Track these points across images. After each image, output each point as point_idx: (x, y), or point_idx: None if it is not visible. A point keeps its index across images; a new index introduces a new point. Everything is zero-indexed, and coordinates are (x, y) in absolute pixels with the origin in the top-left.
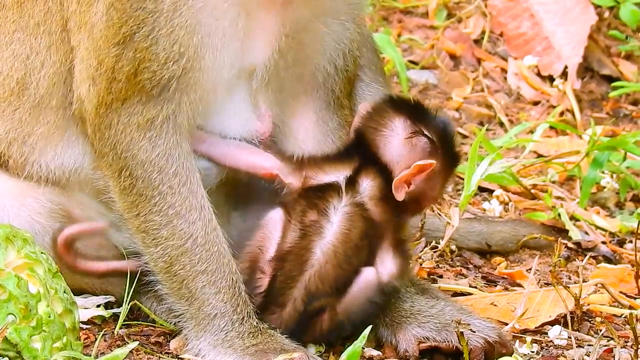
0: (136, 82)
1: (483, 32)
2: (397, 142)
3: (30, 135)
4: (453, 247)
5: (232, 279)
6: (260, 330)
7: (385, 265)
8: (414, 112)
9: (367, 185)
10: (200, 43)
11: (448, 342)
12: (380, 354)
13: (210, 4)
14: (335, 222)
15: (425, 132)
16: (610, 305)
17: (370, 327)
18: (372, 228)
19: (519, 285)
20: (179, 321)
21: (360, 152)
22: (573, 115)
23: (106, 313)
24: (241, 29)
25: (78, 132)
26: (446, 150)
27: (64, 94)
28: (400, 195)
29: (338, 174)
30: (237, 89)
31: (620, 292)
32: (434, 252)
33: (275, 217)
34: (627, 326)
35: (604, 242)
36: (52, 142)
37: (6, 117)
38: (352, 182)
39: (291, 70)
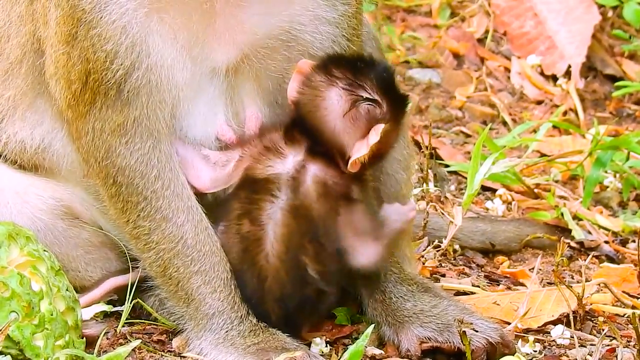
0: (91, 84)
1: (486, 31)
2: (337, 118)
3: (0, 97)
4: (457, 247)
5: (227, 277)
6: (262, 328)
7: (365, 253)
8: (349, 75)
9: (313, 172)
10: (135, 42)
11: (450, 342)
12: (383, 352)
13: (145, 3)
14: (270, 231)
15: (366, 95)
16: (613, 305)
17: (372, 325)
18: (314, 220)
19: (522, 285)
20: (179, 323)
21: (303, 129)
22: (576, 114)
23: (108, 308)
24: (186, 31)
25: (45, 104)
26: (393, 100)
27: (34, 61)
28: (355, 168)
29: (281, 162)
30: (208, 91)
31: (623, 292)
32: (437, 251)
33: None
34: (630, 326)
35: (606, 242)
36: (20, 107)
37: None
38: (293, 175)
39: (276, 70)
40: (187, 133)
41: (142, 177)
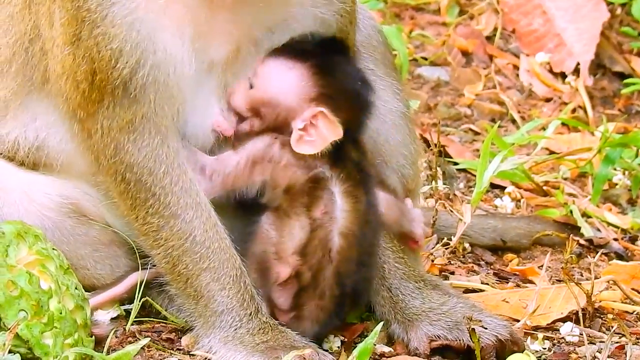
0: (97, 83)
1: (495, 29)
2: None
3: None
4: (466, 245)
5: (236, 274)
6: (271, 326)
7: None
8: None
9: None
10: (140, 40)
11: (459, 340)
12: (392, 350)
13: (147, 1)
14: (340, 205)
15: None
16: (622, 302)
17: (381, 323)
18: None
19: (531, 282)
20: (188, 320)
21: None
22: (585, 112)
23: (119, 308)
24: (192, 26)
25: (37, 102)
26: (325, 84)
27: (24, 61)
28: (308, 149)
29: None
30: (205, 86)
31: (632, 289)
32: (446, 248)
33: (265, 221)
34: (639, 323)
35: (615, 239)
36: (10, 106)
37: None
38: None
39: None
40: (187, 126)
41: (151, 174)
